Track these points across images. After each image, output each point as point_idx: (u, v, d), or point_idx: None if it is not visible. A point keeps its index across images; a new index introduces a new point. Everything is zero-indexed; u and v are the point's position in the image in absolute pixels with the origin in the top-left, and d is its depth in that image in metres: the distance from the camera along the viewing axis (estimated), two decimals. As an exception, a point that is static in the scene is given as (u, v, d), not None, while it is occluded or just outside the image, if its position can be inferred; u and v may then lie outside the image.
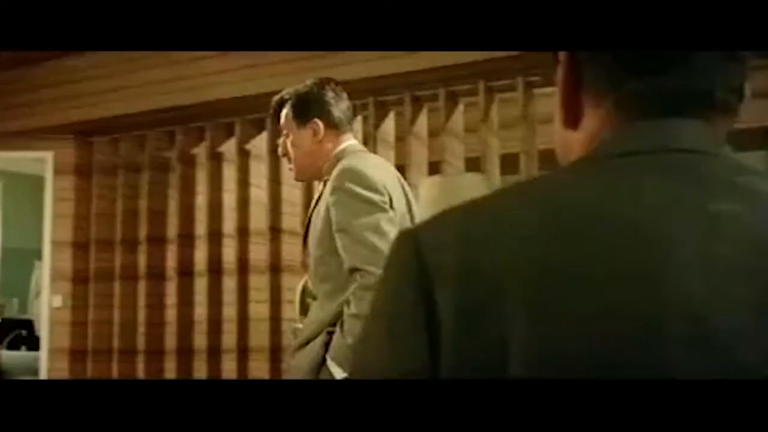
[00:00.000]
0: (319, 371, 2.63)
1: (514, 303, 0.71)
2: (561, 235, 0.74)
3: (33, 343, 7.18)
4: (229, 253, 5.36)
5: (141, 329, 5.58)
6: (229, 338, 5.30)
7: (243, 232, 5.31)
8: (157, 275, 5.61)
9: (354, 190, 2.60)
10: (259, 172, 5.33)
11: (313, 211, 2.81)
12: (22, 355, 7.43)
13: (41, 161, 5.96)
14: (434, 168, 4.74)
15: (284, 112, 2.89)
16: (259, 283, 5.24)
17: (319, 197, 2.80)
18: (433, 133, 4.82)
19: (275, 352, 5.09)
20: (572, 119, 0.86)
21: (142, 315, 5.60)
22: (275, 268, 5.17)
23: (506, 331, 0.71)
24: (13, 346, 7.59)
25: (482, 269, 0.74)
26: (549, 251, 0.73)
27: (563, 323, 0.70)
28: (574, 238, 0.73)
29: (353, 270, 2.55)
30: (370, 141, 4.87)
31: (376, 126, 4.93)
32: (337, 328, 2.59)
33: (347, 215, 2.59)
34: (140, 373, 5.51)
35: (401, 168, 4.84)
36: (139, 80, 5.27)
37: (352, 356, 0.88)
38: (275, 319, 5.13)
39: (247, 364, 5.22)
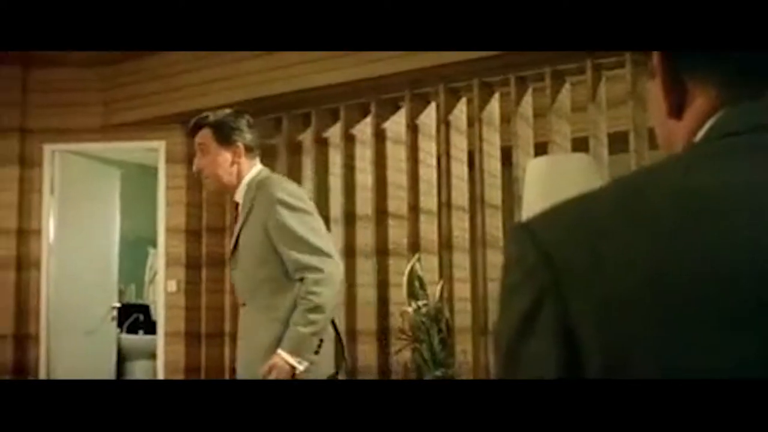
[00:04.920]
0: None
1: (651, 295, 0.68)
2: (697, 222, 0.70)
3: (150, 327, 7.41)
4: (336, 237, 5.40)
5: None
6: (336, 322, 5.34)
7: (349, 216, 5.35)
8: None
9: (289, 201, 3.11)
10: (364, 157, 5.35)
11: (240, 231, 3.21)
12: (139, 338, 7.68)
13: (154, 151, 6.13)
14: (540, 148, 4.68)
15: (204, 132, 3.27)
16: (365, 267, 5.27)
17: (245, 220, 3.19)
18: (539, 114, 4.75)
19: (383, 335, 5.12)
20: (676, 108, 0.83)
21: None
22: (382, 252, 5.19)
23: (641, 325, 0.68)
24: (132, 330, 7.85)
25: (613, 261, 0.71)
26: (687, 241, 0.70)
27: (704, 317, 0.67)
28: (711, 225, 0.70)
29: (303, 269, 3.04)
30: (474, 122, 4.84)
31: (481, 108, 4.89)
32: (291, 322, 3.01)
33: (291, 223, 3.08)
34: (226, 353, 5.61)
35: (507, 149, 4.83)
36: (241, 70, 5.36)
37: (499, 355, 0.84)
38: (383, 303, 5.15)
39: (356, 347, 5.27)
